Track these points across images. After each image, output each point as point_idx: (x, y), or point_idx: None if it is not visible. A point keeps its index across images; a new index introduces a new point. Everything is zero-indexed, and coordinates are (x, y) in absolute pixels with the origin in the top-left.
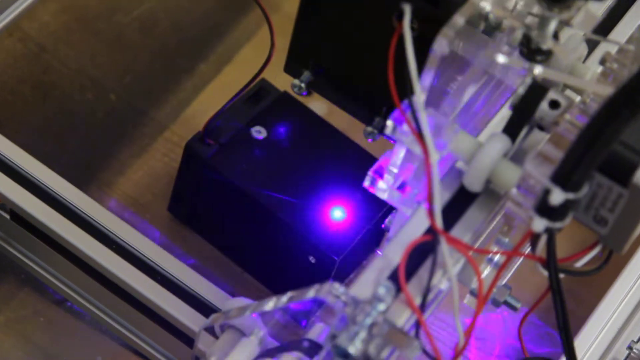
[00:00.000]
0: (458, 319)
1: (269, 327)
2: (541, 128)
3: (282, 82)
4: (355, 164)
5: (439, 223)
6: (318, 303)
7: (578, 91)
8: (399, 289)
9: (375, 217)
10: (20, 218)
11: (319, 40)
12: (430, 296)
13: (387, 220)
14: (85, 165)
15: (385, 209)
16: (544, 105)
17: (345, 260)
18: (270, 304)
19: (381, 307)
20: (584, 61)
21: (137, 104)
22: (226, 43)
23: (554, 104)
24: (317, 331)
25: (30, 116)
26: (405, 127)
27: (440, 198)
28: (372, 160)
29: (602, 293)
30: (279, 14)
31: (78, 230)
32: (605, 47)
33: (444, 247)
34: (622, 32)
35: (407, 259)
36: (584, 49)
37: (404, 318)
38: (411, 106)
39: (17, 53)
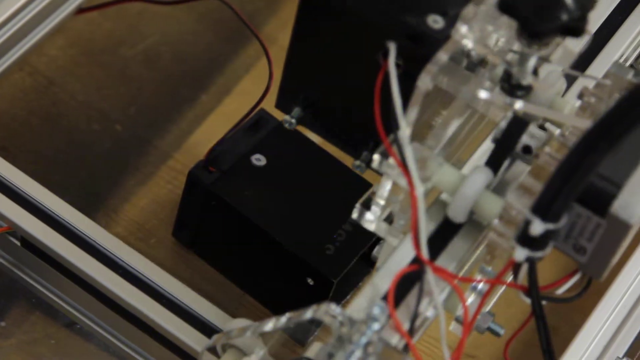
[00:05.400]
0: (445, 346)
1: (269, 346)
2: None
3: (280, 112)
4: (350, 189)
5: (424, 253)
6: (316, 323)
7: (558, 124)
8: None
9: (371, 239)
10: (30, 245)
11: (308, 77)
12: (419, 321)
13: (374, 250)
14: (92, 193)
15: None
16: (525, 138)
17: (343, 282)
18: (270, 324)
19: (376, 326)
20: (563, 95)
21: (141, 133)
22: (226, 74)
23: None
24: (315, 350)
25: (40, 146)
26: (391, 160)
27: (426, 229)
28: (367, 185)
29: (587, 311)
30: (276, 46)
31: (86, 256)
32: (583, 82)
33: (429, 276)
34: (598, 67)
35: (395, 288)
36: (562, 83)
37: (398, 337)
38: (397, 141)
39: (27, 86)
